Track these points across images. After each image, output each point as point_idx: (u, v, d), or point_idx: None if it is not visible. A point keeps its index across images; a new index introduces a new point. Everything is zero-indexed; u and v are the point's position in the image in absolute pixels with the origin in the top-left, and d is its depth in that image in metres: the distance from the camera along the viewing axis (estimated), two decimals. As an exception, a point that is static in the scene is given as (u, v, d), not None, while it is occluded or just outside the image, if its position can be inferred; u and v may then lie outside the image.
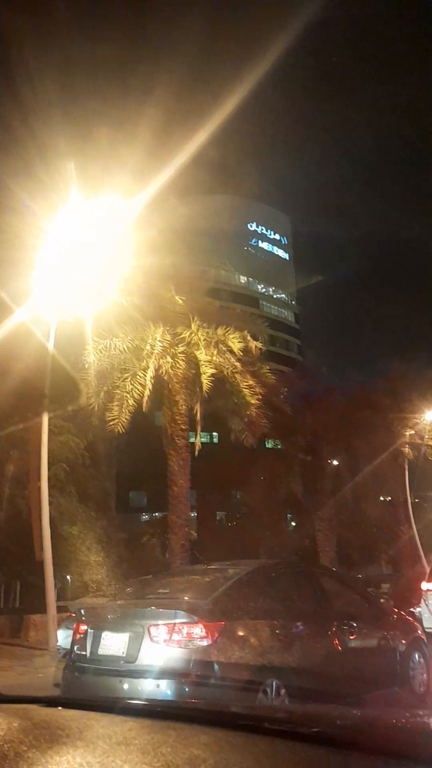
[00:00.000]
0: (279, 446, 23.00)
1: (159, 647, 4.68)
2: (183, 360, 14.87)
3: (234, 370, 15.31)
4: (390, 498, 23.78)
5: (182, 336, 15.12)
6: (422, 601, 10.79)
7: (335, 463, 21.37)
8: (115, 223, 12.12)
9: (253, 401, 15.41)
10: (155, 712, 1.57)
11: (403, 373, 22.76)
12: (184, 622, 4.69)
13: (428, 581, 10.97)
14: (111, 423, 14.54)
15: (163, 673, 4.57)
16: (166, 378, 14.86)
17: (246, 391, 15.39)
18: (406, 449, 21.35)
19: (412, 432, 21.34)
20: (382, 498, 23.74)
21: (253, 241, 72.73)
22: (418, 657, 6.87)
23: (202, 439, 15.81)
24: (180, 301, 15.23)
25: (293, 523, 29.23)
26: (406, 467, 21.90)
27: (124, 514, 29.91)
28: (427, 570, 12.54)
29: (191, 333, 15.10)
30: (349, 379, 22.12)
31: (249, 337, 15.67)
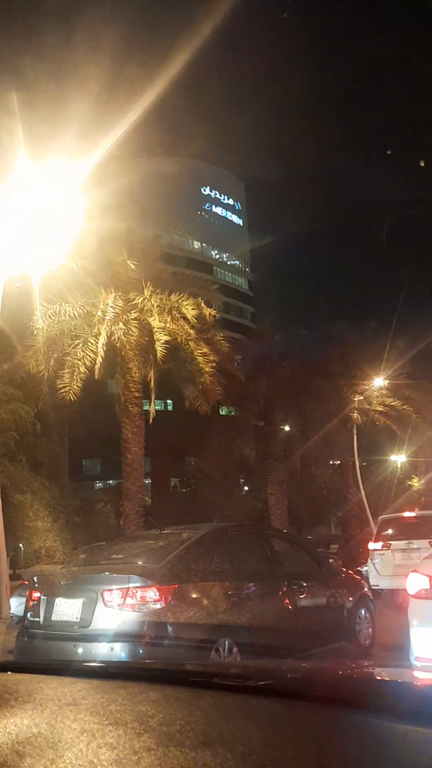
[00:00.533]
0: (232, 413, 23.24)
1: (113, 611, 4.72)
2: (136, 327, 14.67)
3: (188, 338, 15.23)
4: (339, 462, 24.51)
5: (135, 302, 14.87)
6: (369, 560, 11.26)
7: (287, 428, 21.78)
8: (64, 185, 11.68)
9: (207, 369, 15.42)
10: (106, 673, 1.58)
11: (353, 340, 23.21)
12: (137, 586, 4.73)
13: (375, 541, 11.45)
14: (62, 390, 14.29)
15: (118, 637, 4.62)
16: (118, 345, 14.65)
17: (200, 359, 15.37)
18: (355, 415, 21.95)
19: (361, 398, 21.90)
20: (331, 462, 24.44)
21: (207, 205, 71.58)
22: (364, 613, 7.21)
23: (156, 407, 15.78)
24: (132, 267, 14.92)
25: (246, 488, 29.82)
26: (355, 432, 22.55)
27: (77, 482, 29.73)
28: (374, 531, 13.08)
29: (144, 299, 14.87)
30: (302, 346, 22.31)
31: (203, 304, 15.56)
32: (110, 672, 1.63)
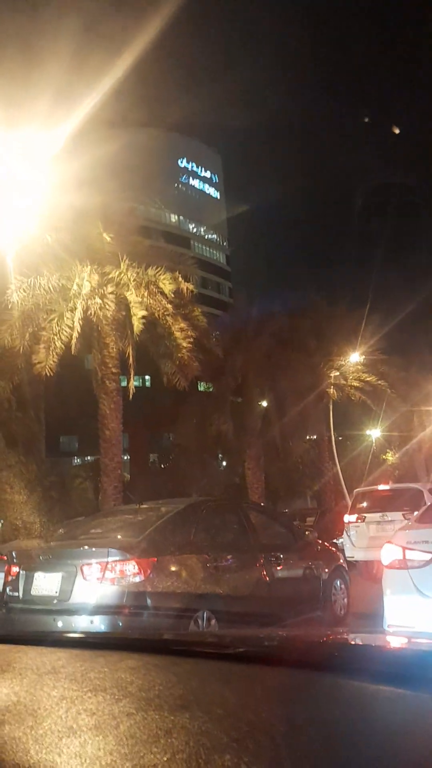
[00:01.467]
0: (210, 388, 23.27)
1: (92, 585, 4.75)
2: (112, 301, 14.49)
3: (165, 313, 15.11)
4: (315, 437, 24.81)
5: (111, 276, 14.66)
6: (344, 532, 11.50)
7: (264, 404, 21.92)
8: (35, 155, 11.37)
9: (184, 344, 15.35)
10: (86, 643, 1.60)
11: (328, 315, 23.30)
12: (116, 560, 4.76)
13: (350, 514, 11.68)
14: (38, 366, 14.10)
15: (97, 610, 4.66)
16: (95, 320, 14.47)
17: (178, 334, 15.28)
18: (331, 390, 22.17)
19: (337, 373, 22.10)
20: (307, 437, 24.74)
21: (184, 178, 70.42)
22: (340, 583, 7.39)
23: (134, 383, 15.70)
24: (108, 240, 14.66)
25: (224, 463, 30.05)
26: (331, 407, 22.80)
27: (55, 458, 29.59)
28: (349, 504, 13.33)
29: (120, 273, 14.66)
30: (277, 321, 22.31)
31: (180, 279, 15.42)
32: (89, 642, 1.65)
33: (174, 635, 1.70)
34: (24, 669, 1.32)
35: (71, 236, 13.92)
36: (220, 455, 29.19)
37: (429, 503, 9.49)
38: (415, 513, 9.80)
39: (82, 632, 1.99)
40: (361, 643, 1.47)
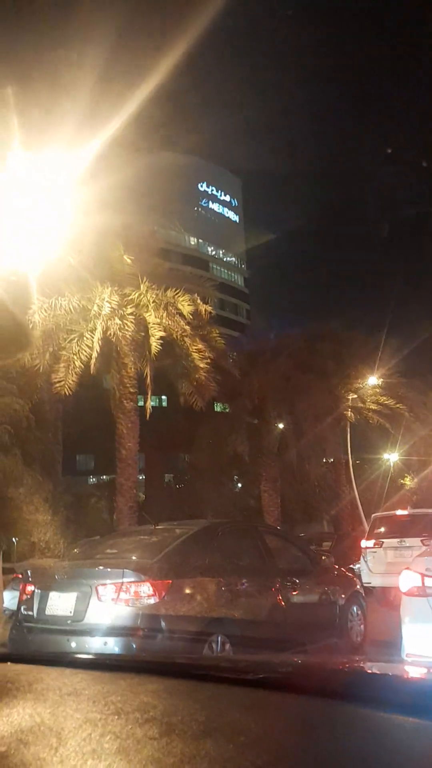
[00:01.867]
0: (226, 409, 23.27)
1: (107, 606, 4.73)
2: (132, 322, 14.66)
3: (183, 334, 15.23)
4: (332, 460, 24.58)
5: (131, 297, 14.86)
6: (361, 558, 11.33)
7: (280, 425, 21.83)
8: (60, 178, 11.64)
9: (202, 365, 15.44)
10: (105, 665, 1.60)
11: (348, 339, 23.28)
12: (131, 581, 4.75)
13: (367, 539, 11.51)
14: (57, 385, 14.26)
15: (111, 631, 4.64)
16: (114, 340, 14.63)
17: (195, 355, 15.38)
18: (349, 413, 22.02)
19: (355, 396, 21.97)
20: (324, 459, 24.53)
21: (204, 201, 71.50)
22: (357, 610, 7.26)
23: (151, 402, 15.79)
24: (129, 262, 14.90)
25: (239, 484, 29.87)
26: (348, 430, 22.62)
27: (71, 476, 29.65)
28: (367, 529, 13.15)
29: (140, 294, 14.86)
30: (296, 343, 22.34)
31: (199, 300, 15.57)
32: (108, 664, 1.65)
33: (194, 659, 1.70)
34: (45, 690, 1.32)
35: (93, 258, 14.16)
36: (235, 477, 29.05)
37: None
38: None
39: (100, 654, 2.00)
40: (380, 673, 1.47)
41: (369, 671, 1.49)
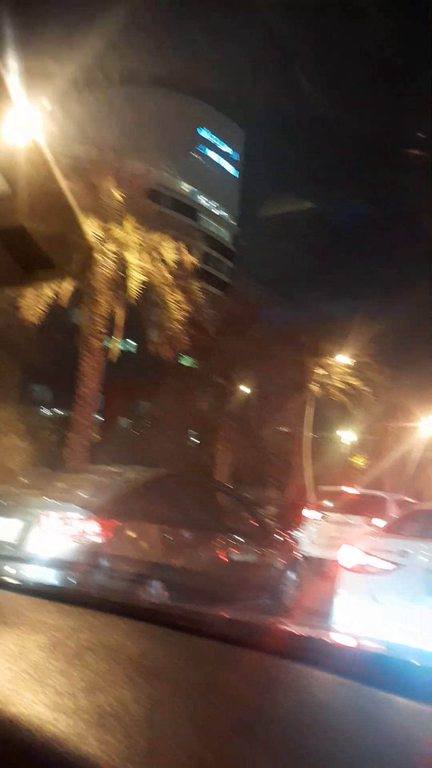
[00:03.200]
0: (196, 365, 23.16)
1: (51, 537, 4.69)
2: (113, 260, 14.24)
3: (164, 282, 14.92)
4: (290, 431, 24.92)
5: (115, 234, 14.39)
6: (304, 527, 11.60)
7: (246, 390, 21.91)
8: (53, 97, 11.01)
9: (178, 317, 15.21)
10: (66, 597, 1.55)
11: (327, 315, 23.30)
12: (79, 517, 4.71)
13: (312, 510, 11.78)
14: (24, 311, 13.85)
15: (54, 563, 4.60)
16: (90, 275, 14.22)
17: (173, 305, 15.12)
18: (315, 387, 22.24)
19: (324, 373, 22.15)
20: (283, 430, 24.84)
21: (202, 148, 69.16)
22: (292, 575, 7.45)
23: (119, 346, 15.55)
24: (118, 197, 14.37)
25: (196, 441, 30.09)
26: (311, 405, 22.89)
27: (25, 406, 29.24)
28: (310, 499, 13.47)
29: (126, 233, 14.41)
30: (275, 312, 22.27)
31: (184, 250, 15.22)
32: (71, 596, 1.59)
33: (162, 607, 1.73)
34: (9, 616, 1.28)
35: (81, 187, 13.59)
36: (193, 433, 29.23)
37: (394, 513, 9.62)
38: (374, 520, 9.94)
39: (63, 586, 1.97)
40: (338, 641, 1.59)
41: (329, 639, 1.58)
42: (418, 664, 1.19)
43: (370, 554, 4.67)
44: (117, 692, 0.91)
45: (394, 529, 5.36)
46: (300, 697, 1.03)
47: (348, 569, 4.79)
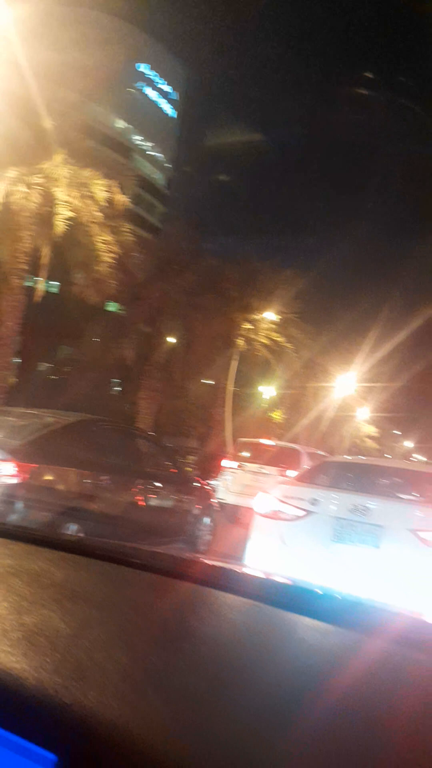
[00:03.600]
0: (121, 311, 22.68)
1: None
2: (39, 194, 13.46)
3: (93, 220, 14.32)
4: (213, 383, 25.21)
5: (43, 167, 13.56)
6: (221, 475, 11.91)
7: (172, 340, 21.80)
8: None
9: (106, 258, 14.72)
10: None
11: (256, 269, 23.34)
12: (-4, 458, 4.59)
13: (229, 460, 12.10)
14: None
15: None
16: (15, 208, 13.40)
17: (101, 246, 14.59)
18: (241, 341, 22.48)
19: (250, 327, 22.39)
20: (206, 381, 25.07)
21: (139, 84, 65.75)
22: (207, 521, 7.69)
23: (42, 286, 14.90)
24: (48, 128, 13.46)
25: (119, 389, 29.81)
26: (236, 359, 23.18)
27: None
28: (229, 450, 13.83)
29: (54, 166, 13.60)
30: (206, 262, 21.99)
31: (116, 189, 14.61)
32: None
33: (88, 539, 1.79)
34: None
35: (5, 113, 12.60)
36: (116, 380, 28.91)
37: (307, 465, 10.06)
38: (288, 471, 10.38)
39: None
40: (256, 572, 1.72)
41: (242, 570, 1.70)
42: (321, 593, 1.31)
43: (283, 501, 4.89)
44: (44, 614, 0.92)
45: (305, 478, 5.61)
46: (217, 617, 1.09)
47: (262, 515, 4.99)
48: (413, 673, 0.92)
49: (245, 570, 1.78)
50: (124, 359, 21.23)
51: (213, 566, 1.51)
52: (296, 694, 0.80)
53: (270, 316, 22.27)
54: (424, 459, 40.10)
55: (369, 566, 4.22)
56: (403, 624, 1.16)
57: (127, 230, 15.75)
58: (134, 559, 1.37)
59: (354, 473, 5.73)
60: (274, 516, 4.88)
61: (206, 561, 1.61)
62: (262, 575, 1.64)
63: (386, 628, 1.08)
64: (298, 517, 4.73)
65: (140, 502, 6.21)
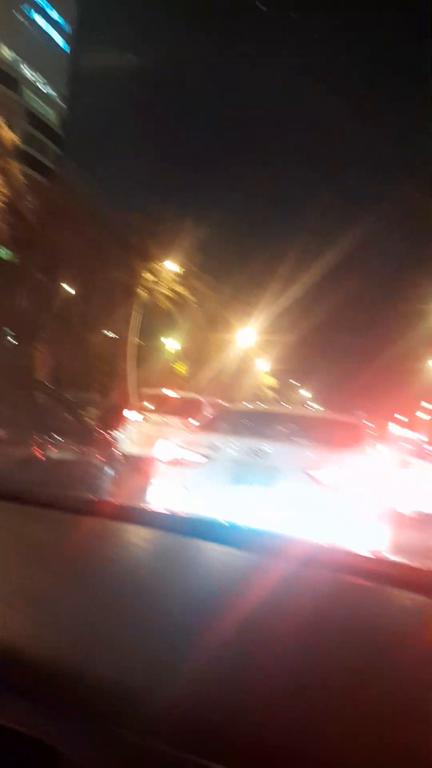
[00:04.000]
0: (14, 259, 21.38)
1: None
2: None
3: (-23, 157, 13.21)
4: (116, 335, 24.73)
5: None
6: (124, 427, 11.86)
7: (71, 290, 20.98)
8: None
9: (-6, 199, 13.71)
10: None
11: (158, 220, 22.78)
12: None
13: (132, 411, 12.06)
14: None
15: None
16: None
17: (-12, 186, 13.55)
18: (142, 292, 22.08)
19: (153, 279, 22.01)
20: (109, 334, 24.53)
21: (27, 9, 60.18)
22: (109, 471, 7.68)
23: None
24: None
25: (14, 342, 28.43)
26: (138, 311, 22.80)
27: None
28: (132, 402, 13.76)
29: None
30: (105, 209, 21.14)
31: (3, 124, 13.51)
32: None
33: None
34: None
35: None
36: (10, 332, 27.53)
37: (209, 415, 10.25)
38: (190, 420, 10.54)
39: None
40: (162, 509, 1.77)
41: (149, 506, 1.88)
42: (226, 524, 1.44)
43: (184, 448, 4.97)
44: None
45: (206, 426, 5.73)
46: (123, 548, 1.21)
47: (163, 462, 5.06)
48: (306, 585, 1.05)
49: (151, 507, 1.91)
50: (19, 309, 20.21)
51: (126, 506, 1.58)
52: (204, 611, 0.84)
53: (172, 267, 21.98)
54: (319, 407, 42.34)
55: (267, 505, 4.43)
56: (299, 547, 1.30)
57: (17, 170, 14.72)
58: (38, 498, 1.41)
59: (252, 420, 5.92)
60: (175, 463, 4.96)
61: (119, 502, 1.66)
62: (169, 510, 1.72)
63: (285, 551, 1.20)
64: (199, 463, 4.84)
65: (39, 456, 6.06)
